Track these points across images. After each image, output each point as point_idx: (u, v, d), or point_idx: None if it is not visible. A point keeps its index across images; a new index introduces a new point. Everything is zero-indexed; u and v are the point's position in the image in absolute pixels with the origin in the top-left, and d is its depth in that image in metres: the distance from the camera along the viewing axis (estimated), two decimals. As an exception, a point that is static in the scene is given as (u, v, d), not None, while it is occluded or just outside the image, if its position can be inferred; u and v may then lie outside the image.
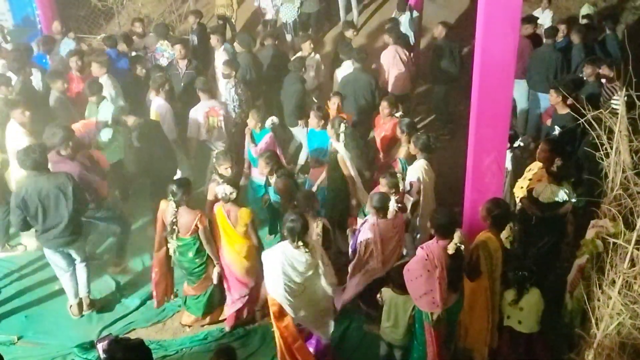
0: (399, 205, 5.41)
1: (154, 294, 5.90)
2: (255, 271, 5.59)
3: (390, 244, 5.48)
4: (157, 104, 7.22)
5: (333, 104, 7.37)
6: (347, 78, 7.86)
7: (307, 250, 4.84)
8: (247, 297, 5.75)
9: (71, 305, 6.11)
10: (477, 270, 4.90)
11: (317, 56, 8.66)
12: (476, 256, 4.89)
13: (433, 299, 4.67)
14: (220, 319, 5.95)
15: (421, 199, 6.01)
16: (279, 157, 6.44)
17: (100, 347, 3.23)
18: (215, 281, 5.66)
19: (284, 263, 4.83)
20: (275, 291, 4.92)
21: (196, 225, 5.38)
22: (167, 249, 5.65)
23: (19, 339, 5.84)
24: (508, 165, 6.27)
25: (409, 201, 6.00)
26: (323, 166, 6.81)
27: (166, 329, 5.97)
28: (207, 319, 5.91)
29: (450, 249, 4.61)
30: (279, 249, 4.91)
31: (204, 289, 5.72)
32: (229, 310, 5.83)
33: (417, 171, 6.02)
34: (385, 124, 7.05)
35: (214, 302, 5.85)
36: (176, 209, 5.38)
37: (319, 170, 6.87)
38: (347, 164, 6.39)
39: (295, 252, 4.84)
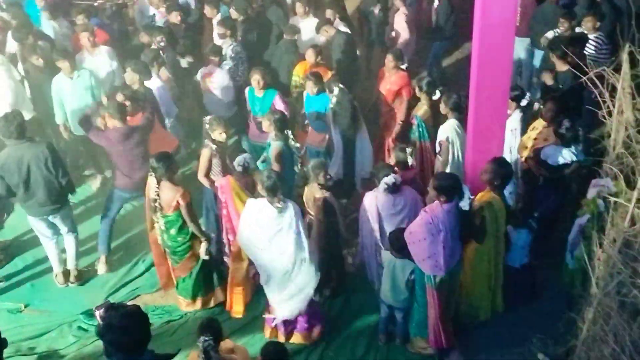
0: (391, 183, 5.15)
1: (158, 276, 5.89)
2: None
3: (392, 220, 5.28)
4: (152, 81, 6.95)
5: (309, 56, 7.17)
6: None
7: (278, 206, 4.85)
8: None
9: (56, 275, 6.13)
10: (483, 231, 4.89)
11: (315, 20, 8.47)
12: (482, 217, 4.87)
13: (436, 262, 4.69)
14: (213, 304, 5.79)
15: (449, 159, 5.92)
16: (287, 123, 6.15)
17: (98, 314, 3.26)
18: (203, 256, 5.45)
19: (254, 213, 4.95)
20: (240, 234, 5.10)
21: (177, 202, 5.18)
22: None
23: (25, 307, 5.93)
24: (517, 125, 6.16)
25: (438, 161, 5.96)
26: (324, 132, 6.75)
27: (170, 295, 5.99)
28: (198, 303, 5.73)
29: (465, 206, 4.58)
30: (258, 201, 5.00)
31: (188, 270, 5.52)
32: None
33: (448, 131, 5.93)
34: (390, 77, 6.94)
35: (203, 285, 5.66)
36: (157, 185, 5.18)
37: (320, 136, 6.81)
38: (332, 127, 6.38)
39: (267, 206, 4.88)
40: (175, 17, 8.11)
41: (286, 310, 5.13)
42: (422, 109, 6.36)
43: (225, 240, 5.83)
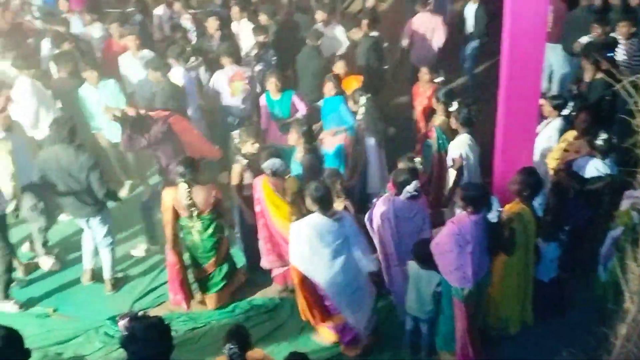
0: (415, 192, 5.07)
1: (180, 291, 5.77)
2: None
3: (408, 225, 5.17)
4: (180, 74, 7.12)
5: (339, 69, 7.18)
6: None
7: (334, 219, 4.77)
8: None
9: (84, 271, 6.24)
10: (513, 243, 4.79)
11: (339, 27, 8.44)
12: (511, 229, 4.77)
13: (464, 274, 4.59)
14: (237, 285, 5.96)
15: (465, 175, 5.78)
16: (313, 133, 6.17)
17: (121, 324, 3.27)
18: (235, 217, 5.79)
19: (313, 234, 4.74)
20: (299, 261, 4.86)
21: (215, 198, 5.37)
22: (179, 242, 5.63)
23: (54, 311, 5.99)
24: (554, 133, 6.00)
25: (451, 177, 5.86)
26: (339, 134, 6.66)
27: (195, 302, 6.01)
28: (232, 287, 5.90)
29: (494, 217, 4.48)
30: (308, 220, 4.82)
31: (217, 264, 5.72)
32: (279, 271, 5.82)
33: (460, 147, 5.79)
34: (425, 92, 6.82)
35: (230, 273, 5.84)
36: (189, 189, 5.30)
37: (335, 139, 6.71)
38: (365, 138, 6.31)
39: (326, 220, 4.76)
40: (212, 24, 8.15)
41: (364, 320, 5.06)
42: (439, 119, 6.27)
43: (260, 235, 5.74)
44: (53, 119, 5.79)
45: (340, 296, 4.94)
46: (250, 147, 5.78)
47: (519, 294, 5.13)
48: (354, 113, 6.55)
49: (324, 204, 4.75)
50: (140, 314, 3.39)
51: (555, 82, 8.37)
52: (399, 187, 5.09)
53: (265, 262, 5.76)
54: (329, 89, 6.70)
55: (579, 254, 5.89)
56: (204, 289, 5.85)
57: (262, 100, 6.87)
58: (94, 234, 6.03)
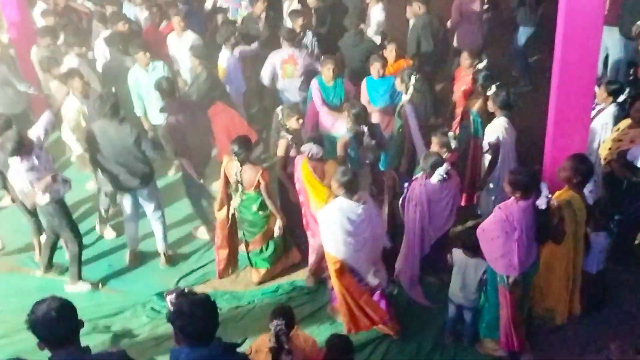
0: (446, 174, 5.10)
1: (217, 260, 5.97)
2: None
3: (438, 206, 5.24)
4: (225, 58, 7.23)
5: (390, 51, 7.13)
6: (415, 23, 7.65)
7: (361, 202, 4.79)
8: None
9: (131, 252, 6.40)
10: (562, 231, 4.67)
11: (380, 5, 8.26)
12: (560, 217, 4.64)
13: (510, 262, 4.50)
14: (289, 264, 6.05)
15: (500, 159, 5.70)
16: (363, 118, 6.01)
17: (169, 299, 3.33)
18: (278, 233, 5.75)
19: (341, 218, 4.74)
20: (334, 248, 4.84)
21: (258, 181, 5.47)
22: (228, 209, 5.73)
23: (103, 285, 6.18)
24: (609, 119, 5.81)
25: (487, 161, 5.76)
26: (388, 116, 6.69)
27: (239, 281, 6.11)
28: (278, 267, 6.01)
29: (542, 204, 4.39)
30: (334, 206, 4.82)
31: (265, 241, 5.82)
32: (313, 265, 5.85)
33: (497, 130, 5.69)
34: (466, 77, 6.69)
35: (279, 251, 5.96)
36: (240, 167, 5.46)
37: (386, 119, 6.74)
38: (410, 120, 6.21)
39: (352, 204, 4.77)
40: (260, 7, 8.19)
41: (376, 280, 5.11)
42: (477, 103, 6.12)
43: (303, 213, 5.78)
44: (97, 95, 6.01)
45: (370, 267, 5.03)
46: (294, 123, 5.85)
47: (567, 284, 5.01)
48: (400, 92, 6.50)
49: (350, 189, 4.77)
50: (187, 290, 3.46)
51: (611, 67, 8.06)
52: (430, 169, 5.11)
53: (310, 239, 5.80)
54: (374, 70, 6.65)
55: (629, 246, 5.73)
56: (251, 262, 5.98)
57: (315, 85, 6.79)
58: (144, 208, 6.18)
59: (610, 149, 5.65)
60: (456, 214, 5.48)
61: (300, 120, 5.90)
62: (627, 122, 5.68)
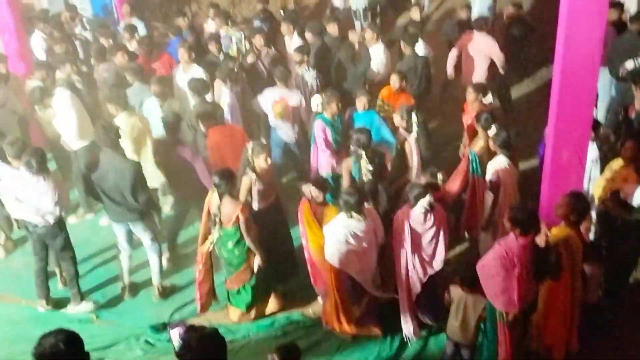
0: (429, 207, 5.15)
1: (198, 295, 5.84)
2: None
3: (423, 239, 5.27)
4: (224, 94, 7.24)
5: (394, 82, 7.14)
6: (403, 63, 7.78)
7: (362, 218, 5.10)
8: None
9: (123, 287, 6.34)
10: (559, 268, 4.71)
11: (380, 45, 8.37)
12: (557, 253, 4.69)
13: (510, 298, 4.52)
14: (267, 312, 5.90)
15: (500, 197, 5.76)
16: (368, 143, 6.02)
17: (176, 333, 3.29)
18: (255, 269, 5.59)
19: (346, 234, 5.11)
20: (337, 259, 5.20)
21: (237, 216, 5.35)
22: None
23: (96, 317, 6.10)
24: (595, 155, 5.91)
25: (490, 198, 5.83)
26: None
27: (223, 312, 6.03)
28: (252, 313, 5.84)
29: (541, 242, 4.43)
30: (339, 222, 5.15)
31: (241, 282, 5.65)
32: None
33: (497, 169, 5.76)
34: (472, 111, 6.77)
35: (258, 295, 5.79)
36: (220, 200, 5.36)
37: None
38: (414, 156, 6.28)
39: (352, 221, 5.10)
40: (258, 42, 8.30)
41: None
42: (478, 144, 6.21)
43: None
44: (100, 125, 5.99)
45: (367, 276, 5.39)
46: (262, 161, 5.70)
47: (565, 321, 5.02)
48: (396, 129, 6.56)
49: (353, 208, 5.09)
50: (189, 323, 3.42)
51: (601, 106, 8.25)
52: (414, 200, 5.19)
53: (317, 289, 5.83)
54: (360, 103, 6.71)
55: (624, 282, 5.78)
56: (229, 299, 5.88)
57: (320, 125, 6.65)
58: (142, 241, 6.16)
59: (604, 188, 5.75)
60: (446, 250, 5.45)
61: (269, 160, 5.74)
62: (619, 161, 5.79)
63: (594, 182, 5.87)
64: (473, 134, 6.65)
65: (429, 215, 5.21)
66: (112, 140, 5.77)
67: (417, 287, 5.40)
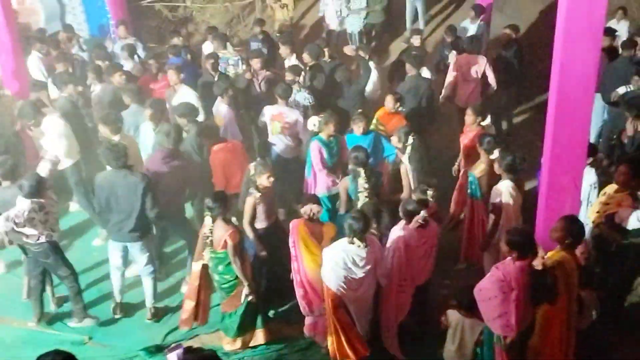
0: (424, 221, 5.28)
1: (183, 310, 5.80)
2: None
3: (416, 254, 5.34)
4: (222, 109, 7.37)
5: (388, 102, 7.28)
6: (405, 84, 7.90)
7: (363, 245, 4.97)
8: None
9: (115, 305, 6.28)
10: (555, 292, 4.71)
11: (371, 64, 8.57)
12: (553, 277, 4.70)
13: (507, 322, 4.52)
14: (252, 344, 5.78)
15: (502, 221, 5.79)
16: (365, 162, 6.12)
17: (174, 356, 3.24)
18: (242, 299, 5.51)
19: (345, 259, 5.00)
20: (334, 283, 5.08)
21: (225, 241, 5.29)
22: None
23: (90, 339, 6.02)
24: (595, 179, 5.98)
25: (491, 221, 5.87)
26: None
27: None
28: (238, 342, 5.73)
29: (539, 265, 4.44)
30: (339, 246, 5.05)
31: (234, 306, 5.57)
32: (309, 320, 5.78)
33: (501, 192, 5.79)
34: (469, 132, 6.89)
35: (246, 325, 5.67)
36: (212, 224, 5.34)
37: None
38: (409, 177, 6.31)
39: (353, 247, 4.99)
40: (256, 64, 8.36)
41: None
42: (479, 167, 6.26)
43: (295, 280, 5.69)
44: (103, 144, 5.98)
45: (361, 310, 5.29)
46: (265, 180, 5.79)
47: (561, 345, 5.01)
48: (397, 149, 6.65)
49: (359, 233, 4.96)
50: (193, 347, 3.39)
51: (593, 131, 8.34)
52: (408, 216, 5.25)
53: (300, 306, 5.76)
54: (356, 126, 6.77)
55: (620, 307, 5.79)
56: (222, 325, 5.78)
57: (316, 146, 6.73)
58: (137, 261, 6.12)
59: (598, 212, 5.78)
60: (434, 264, 5.58)
61: (271, 179, 5.82)
62: (614, 186, 5.84)
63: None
64: (469, 155, 6.72)
65: (423, 230, 5.27)
66: (119, 159, 5.76)
67: (404, 303, 5.43)
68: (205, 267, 5.62)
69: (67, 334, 6.04)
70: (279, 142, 7.33)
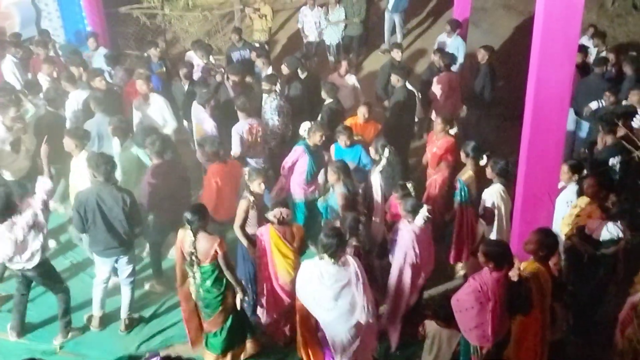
0: (429, 215, 5.37)
1: (187, 332, 5.64)
2: None
3: (424, 250, 5.43)
4: (203, 120, 7.33)
5: (361, 113, 7.41)
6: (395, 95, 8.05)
7: (332, 262, 4.80)
8: (288, 314, 5.67)
9: (93, 317, 6.17)
10: (529, 303, 4.78)
11: (353, 77, 8.75)
12: (527, 288, 4.77)
13: (484, 332, 4.57)
14: (243, 358, 5.72)
15: (495, 225, 5.89)
16: (349, 168, 6.28)
17: (153, 365, 3.20)
18: (238, 306, 5.39)
19: (314, 273, 4.85)
20: (303, 296, 4.98)
21: (215, 251, 5.12)
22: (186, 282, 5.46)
23: (60, 348, 5.92)
24: (573, 197, 6.04)
25: (481, 225, 5.96)
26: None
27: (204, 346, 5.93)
28: (228, 357, 5.56)
29: (514, 276, 4.50)
30: (316, 262, 4.91)
31: (219, 324, 5.38)
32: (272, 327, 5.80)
33: (493, 196, 5.91)
34: (437, 141, 6.99)
35: (234, 339, 5.52)
36: (194, 237, 5.13)
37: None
38: (377, 189, 6.42)
39: (331, 266, 4.82)
40: (237, 79, 8.35)
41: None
42: (466, 173, 6.35)
43: (261, 290, 5.74)
44: (91, 156, 5.88)
45: (336, 337, 4.97)
46: (257, 186, 5.84)
47: (535, 355, 5.08)
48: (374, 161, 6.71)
49: (331, 251, 4.80)
50: (163, 354, 3.34)
51: (566, 145, 8.52)
52: (412, 212, 5.30)
53: (264, 318, 5.78)
54: (341, 139, 6.82)
55: (594, 319, 5.89)
56: (206, 342, 5.58)
57: (300, 149, 6.81)
58: (119, 272, 6.06)
59: (569, 224, 5.90)
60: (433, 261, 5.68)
61: (263, 185, 5.88)
62: (584, 199, 5.96)
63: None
64: (437, 163, 6.83)
65: (426, 224, 5.36)
66: (108, 172, 5.67)
67: (411, 299, 5.49)
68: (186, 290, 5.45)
69: (37, 344, 5.92)
70: (256, 152, 7.35)
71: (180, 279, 5.43)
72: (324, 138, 6.46)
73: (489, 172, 6.06)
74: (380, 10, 11.85)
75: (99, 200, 5.65)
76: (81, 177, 6.17)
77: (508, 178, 5.95)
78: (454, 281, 6.55)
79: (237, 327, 5.49)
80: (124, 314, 6.15)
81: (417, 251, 5.37)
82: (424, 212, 5.31)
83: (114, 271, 6.15)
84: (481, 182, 6.29)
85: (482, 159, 6.22)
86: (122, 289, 6.12)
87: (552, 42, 4.69)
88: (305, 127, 6.76)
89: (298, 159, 6.82)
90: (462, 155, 6.41)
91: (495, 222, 5.91)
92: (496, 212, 5.89)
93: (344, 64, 8.64)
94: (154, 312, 6.41)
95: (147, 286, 6.66)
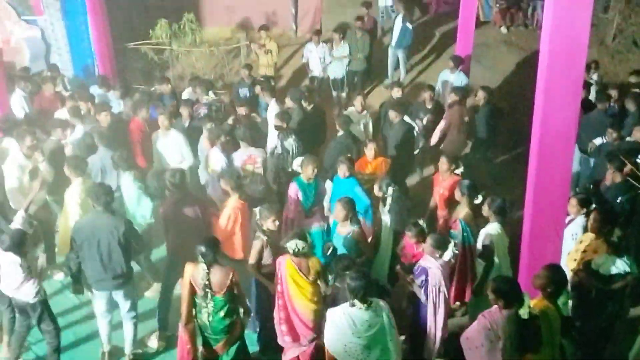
0: (457, 250, 5.44)
1: None
2: (322, 314, 5.35)
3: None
4: (214, 156, 7.38)
5: (369, 150, 7.42)
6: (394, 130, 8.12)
7: (365, 307, 4.69)
8: (314, 342, 5.56)
9: (102, 353, 6.11)
10: (538, 340, 4.74)
11: (367, 113, 8.83)
12: (536, 326, 4.74)
13: (494, 371, 4.52)
14: None
15: (494, 263, 5.87)
16: (354, 204, 6.25)
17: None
18: (244, 324, 5.56)
19: (345, 322, 4.69)
20: (333, 347, 4.79)
21: (231, 281, 5.17)
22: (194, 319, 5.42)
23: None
24: (579, 230, 6.08)
25: (479, 265, 5.94)
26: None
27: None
28: None
29: (525, 314, 4.47)
30: (341, 310, 4.76)
31: (228, 345, 5.44)
32: (293, 353, 5.67)
33: (490, 234, 5.89)
34: (444, 181, 6.98)
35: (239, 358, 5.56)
36: (208, 270, 5.14)
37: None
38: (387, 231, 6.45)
39: (355, 310, 4.70)
40: (244, 111, 8.51)
41: None
42: (463, 211, 6.34)
43: (276, 316, 5.63)
44: (91, 187, 5.94)
45: None
46: (271, 224, 5.85)
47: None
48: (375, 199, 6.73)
49: (362, 297, 4.67)
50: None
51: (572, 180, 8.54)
52: (440, 248, 5.34)
53: (281, 342, 5.68)
54: (342, 170, 6.84)
55: (601, 355, 5.83)
56: None
57: (294, 187, 6.84)
58: (120, 307, 5.98)
59: (576, 260, 5.89)
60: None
61: (277, 222, 5.89)
62: (589, 234, 5.97)
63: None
64: (447, 205, 6.81)
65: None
66: (107, 203, 5.68)
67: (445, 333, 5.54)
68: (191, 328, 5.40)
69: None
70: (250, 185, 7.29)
71: (187, 316, 5.34)
72: (316, 170, 6.54)
73: (485, 211, 6.05)
74: (384, 46, 12.04)
75: (94, 229, 5.61)
76: (76, 205, 6.22)
77: (504, 216, 5.96)
78: (459, 319, 6.52)
79: (241, 348, 5.56)
80: (127, 349, 6.08)
81: (448, 286, 5.40)
82: (452, 246, 5.31)
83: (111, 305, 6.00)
84: (476, 220, 6.27)
85: (477, 198, 6.22)
86: (124, 324, 6.04)
87: (558, 80, 4.75)
88: (298, 162, 6.80)
89: (296, 195, 6.84)
90: (457, 193, 6.41)
91: (495, 262, 5.89)
92: (496, 251, 5.87)
93: (359, 99, 8.71)
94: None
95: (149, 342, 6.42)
